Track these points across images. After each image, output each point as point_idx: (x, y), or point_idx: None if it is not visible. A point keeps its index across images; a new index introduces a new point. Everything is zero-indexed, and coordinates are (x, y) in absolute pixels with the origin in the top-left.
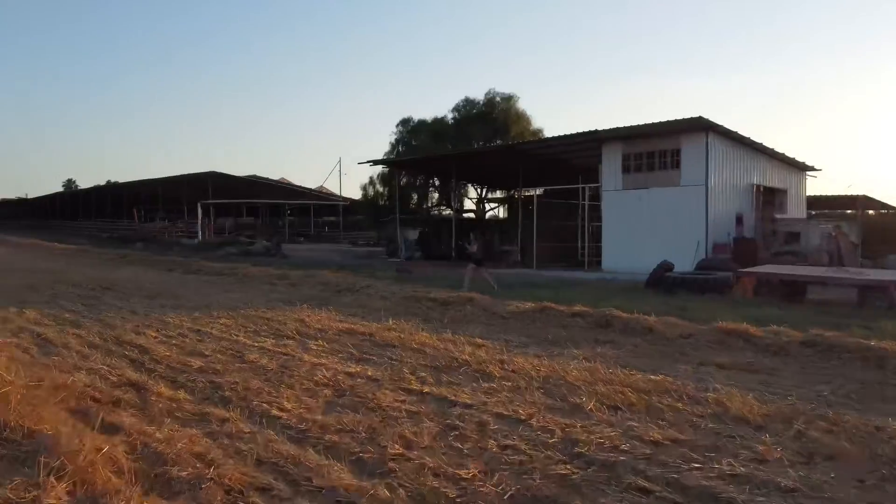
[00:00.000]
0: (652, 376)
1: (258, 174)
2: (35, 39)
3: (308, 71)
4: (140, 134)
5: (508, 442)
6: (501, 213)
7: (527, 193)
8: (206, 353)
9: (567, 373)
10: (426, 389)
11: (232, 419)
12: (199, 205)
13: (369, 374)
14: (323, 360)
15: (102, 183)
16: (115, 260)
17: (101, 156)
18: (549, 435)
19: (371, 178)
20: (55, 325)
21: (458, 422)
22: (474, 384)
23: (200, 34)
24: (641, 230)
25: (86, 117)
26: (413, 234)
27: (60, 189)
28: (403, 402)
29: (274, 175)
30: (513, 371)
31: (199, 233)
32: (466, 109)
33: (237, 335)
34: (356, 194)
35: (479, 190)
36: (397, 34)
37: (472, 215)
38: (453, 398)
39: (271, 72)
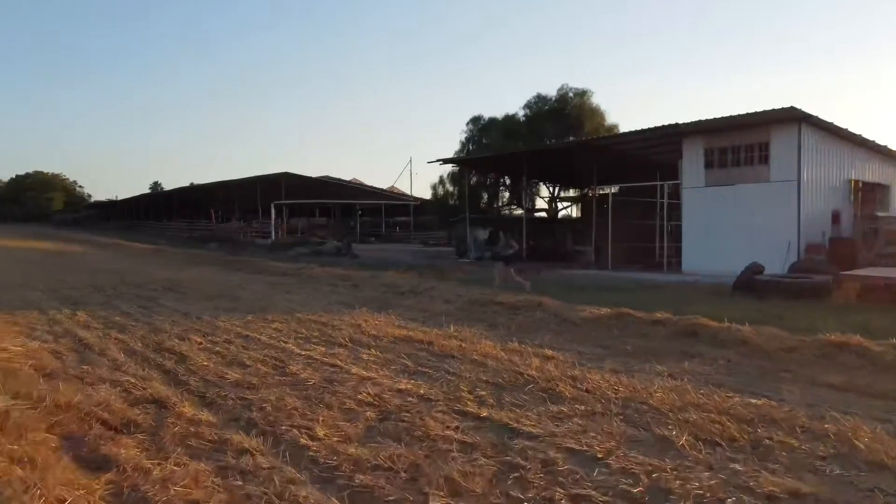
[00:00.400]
0: (753, 400)
1: (330, 175)
2: (129, 49)
3: (380, 71)
4: (221, 136)
5: (581, 491)
6: (574, 212)
7: (601, 191)
8: (247, 362)
9: (650, 394)
10: (484, 413)
11: (252, 449)
12: (272, 205)
13: (421, 391)
14: (372, 374)
15: (185, 185)
16: (186, 260)
17: (186, 158)
18: (631, 481)
19: (441, 177)
20: (102, 328)
21: (519, 459)
22: (541, 407)
23: (274, 39)
24: (726, 230)
25: (172, 120)
26: (483, 234)
27: (147, 191)
28: (456, 429)
29: (346, 175)
30: (586, 391)
31: (273, 233)
32: (538, 106)
33: (286, 342)
34: (427, 194)
35: (551, 188)
36: (469, 33)
37: (543, 214)
38: (515, 425)
39: (345, 74)
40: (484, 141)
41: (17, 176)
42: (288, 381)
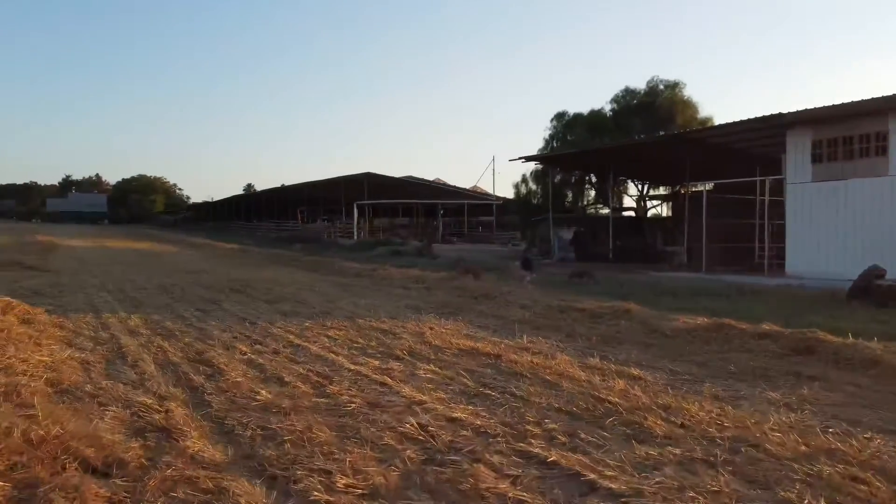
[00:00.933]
0: None
1: (413, 175)
2: (232, 57)
3: (463, 69)
4: (310, 137)
5: None
6: (665, 211)
7: (694, 188)
8: (287, 378)
9: (765, 433)
10: (552, 457)
11: None
12: (355, 205)
13: (478, 422)
14: (424, 396)
15: (276, 186)
16: (267, 260)
17: (278, 160)
18: None
19: (524, 175)
20: (148, 334)
21: None
22: (625, 449)
23: (357, 41)
24: (837, 229)
25: (267, 122)
26: (567, 234)
27: (240, 193)
28: (515, 481)
29: (429, 175)
30: (682, 426)
31: (355, 233)
32: (626, 100)
33: (338, 353)
34: (510, 193)
35: (639, 186)
36: (554, 27)
37: (632, 214)
38: (591, 476)
39: (429, 73)
40: (568, 137)
41: (123, 180)
42: (325, 404)
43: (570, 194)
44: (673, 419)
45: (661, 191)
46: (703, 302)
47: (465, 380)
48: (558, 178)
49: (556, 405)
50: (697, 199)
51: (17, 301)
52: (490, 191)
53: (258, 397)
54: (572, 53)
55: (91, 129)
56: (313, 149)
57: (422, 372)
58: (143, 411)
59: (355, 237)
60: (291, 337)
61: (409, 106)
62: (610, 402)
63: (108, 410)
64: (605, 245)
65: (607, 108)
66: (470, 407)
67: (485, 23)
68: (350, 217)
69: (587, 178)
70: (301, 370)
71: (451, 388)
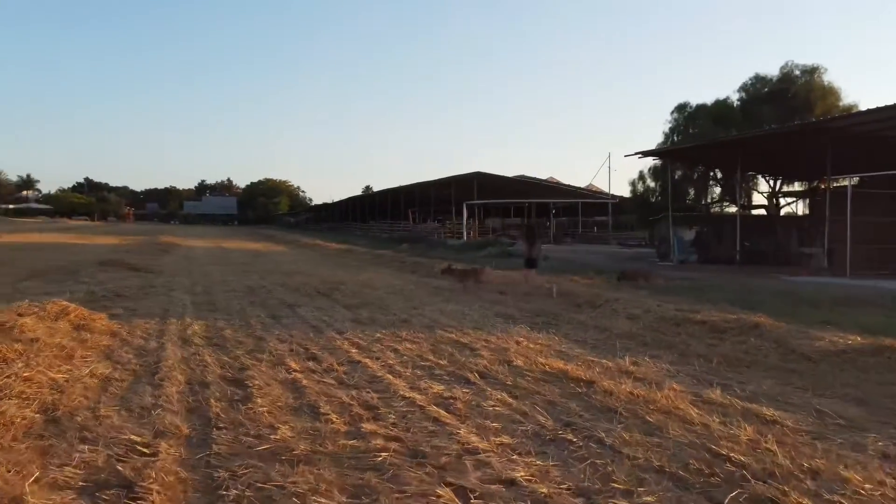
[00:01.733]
0: None
1: (526, 174)
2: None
3: (577, 64)
4: (428, 138)
5: None
6: (801, 208)
7: (836, 183)
8: (323, 408)
9: None
10: None
11: None
12: (464, 205)
13: (543, 489)
14: (482, 442)
15: (390, 187)
16: (368, 261)
17: (397, 161)
18: None
19: (641, 172)
20: (200, 345)
21: None
22: None
23: (478, 41)
24: None
25: (386, 124)
26: (689, 234)
27: (358, 194)
28: None
29: (542, 174)
30: None
31: (464, 233)
32: (755, 88)
33: (399, 374)
34: (626, 191)
35: (771, 181)
36: (672, 14)
37: (762, 212)
38: None
39: (541, 68)
40: (691, 130)
41: (251, 183)
42: (352, 449)
43: (691, 191)
44: (826, 495)
45: (797, 186)
46: (851, 314)
47: (541, 417)
48: (679, 173)
49: (657, 462)
50: (840, 195)
51: (75, 305)
52: (605, 189)
53: (274, 436)
54: (694, 42)
55: (224, 136)
56: (430, 150)
57: (490, 403)
58: (122, 455)
59: (464, 237)
60: (354, 351)
61: (523, 104)
62: (733, 462)
63: (82, 452)
64: (732, 246)
65: (734, 97)
66: (538, 461)
67: (600, 13)
68: (460, 217)
69: (711, 173)
70: (345, 397)
71: (522, 428)
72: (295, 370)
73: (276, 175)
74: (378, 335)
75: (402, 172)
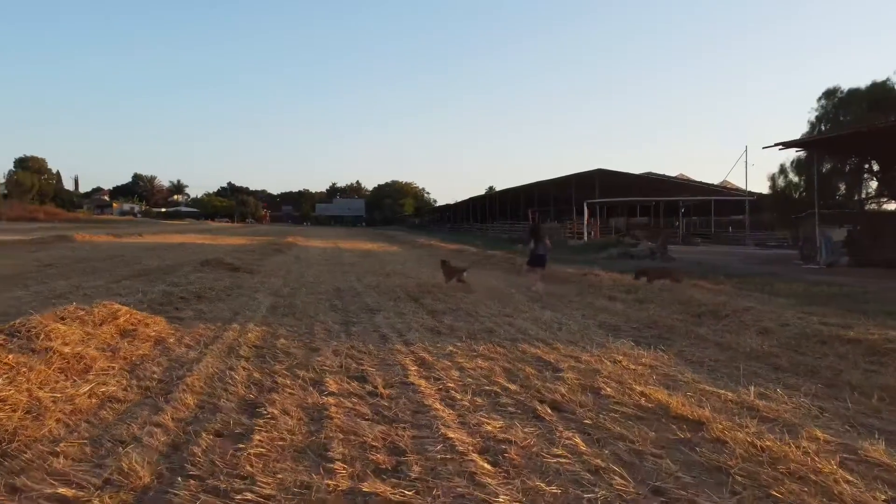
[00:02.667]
0: None
1: (653, 171)
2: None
3: (708, 52)
4: (548, 138)
5: None
6: None
7: None
8: (334, 452)
9: None
10: None
11: None
12: (584, 204)
13: None
14: None
15: (510, 187)
16: (476, 262)
17: (519, 161)
18: None
19: (782, 166)
20: (245, 355)
21: None
22: None
23: (586, 39)
24: None
25: (508, 124)
26: (838, 234)
27: (481, 194)
28: None
29: (671, 171)
30: None
31: (585, 233)
32: None
33: (453, 402)
34: (765, 188)
35: None
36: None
37: None
38: None
39: (663, 60)
40: (841, 118)
41: (378, 185)
42: None
43: (842, 186)
44: None
45: None
46: None
47: (619, 478)
48: (827, 166)
49: None
50: None
51: (127, 309)
52: (742, 186)
53: (246, 493)
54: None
55: (354, 140)
56: (556, 149)
57: (555, 453)
58: None
59: (585, 237)
60: (412, 369)
61: (648, 98)
62: None
63: None
64: (892, 248)
65: (895, 79)
66: None
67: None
68: (581, 216)
69: (867, 165)
70: (370, 436)
71: (588, 496)
72: (330, 393)
73: (403, 177)
74: (450, 348)
75: (528, 173)
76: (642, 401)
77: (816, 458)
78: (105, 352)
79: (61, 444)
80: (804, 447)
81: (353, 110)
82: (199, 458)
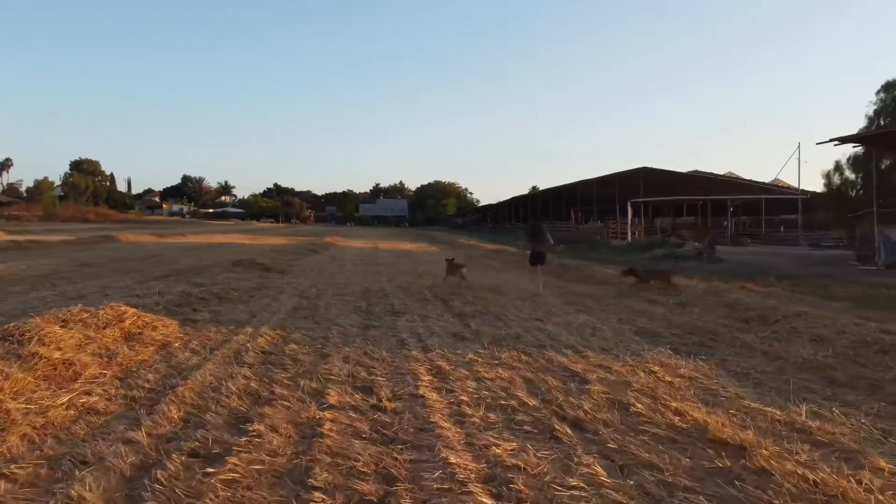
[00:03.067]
0: None
1: (699, 169)
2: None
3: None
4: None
5: None
6: None
7: None
8: (315, 480)
9: None
10: None
11: None
12: (628, 203)
13: None
14: None
15: (552, 186)
16: (514, 262)
17: (562, 160)
18: None
19: (837, 163)
20: (249, 362)
21: None
22: None
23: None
24: None
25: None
26: None
27: (519, 194)
28: None
29: (719, 170)
30: None
31: (629, 233)
32: None
33: (462, 419)
34: (820, 185)
35: None
36: None
37: None
38: None
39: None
40: None
41: (421, 185)
42: None
43: None
44: None
45: None
46: None
47: None
48: (886, 163)
49: None
50: None
51: (135, 311)
52: (794, 184)
53: None
54: None
55: (397, 141)
56: (595, 149)
57: (570, 483)
58: None
59: (629, 238)
60: (425, 379)
61: (695, 96)
62: None
63: None
64: None
65: None
66: None
67: None
68: (625, 216)
69: None
70: (361, 460)
71: None
72: (329, 406)
73: (446, 177)
74: (471, 356)
75: (573, 173)
76: (676, 420)
77: (881, 497)
78: (101, 357)
79: (13, 466)
80: (866, 482)
81: (397, 111)
82: (162, 484)
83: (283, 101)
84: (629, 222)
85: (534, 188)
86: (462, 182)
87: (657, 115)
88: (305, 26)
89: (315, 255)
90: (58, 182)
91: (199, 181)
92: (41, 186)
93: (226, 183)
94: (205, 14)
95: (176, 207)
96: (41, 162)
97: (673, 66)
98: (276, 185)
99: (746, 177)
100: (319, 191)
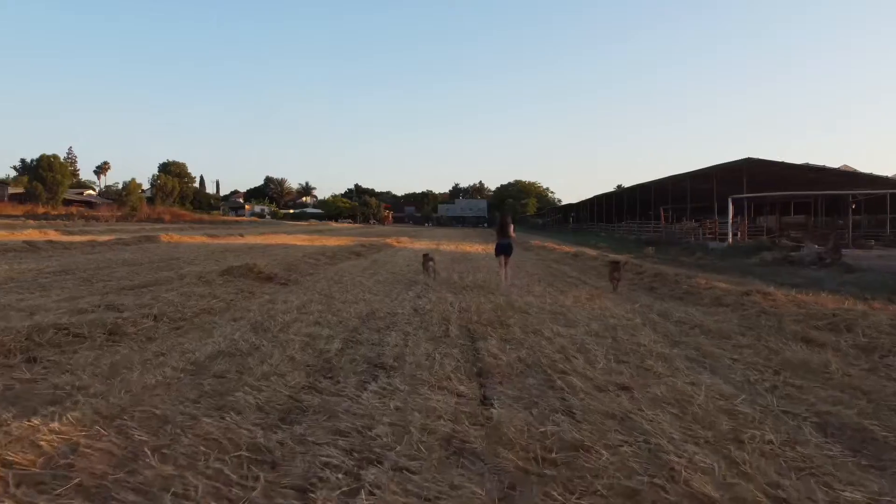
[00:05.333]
0: None
1: (811, 162)
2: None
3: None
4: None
5: None
6: None
7: None
8: None
9: None
10: None
11: None
12: (729, 200)
13: None
14: None
15: (638, 183)
16: (594, 270)
17: (648, 158)
18: None
19: None
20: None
21: None
22: None
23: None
24: None
25: (639, 119)
26: None
27: (608, 191)
28: None
29: (832, 163)
30: None
31: (730, 234)
32: None
33: None
34: None
35: None
36: None
37: None
38: None
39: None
40: None
41: (501, 185)
42: None
43: None
44: None
45: None
46: None
47: None
48: None
49: None
50: None
51: None
52: None
53: None
54: None
55: (476, 141)
56: (683, 146)
57: None
58: None
59: (729, 239)
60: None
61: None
62: None
63: None
64: None
65: None
66: None
67: None
68: (723, 214)
69: None
70: None
71: None
72: None
73: (527, 177)
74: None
75: (659, 170)
76: None
77: None
78: None
79: None
80: None
81: (479, 110)
82: None
83: (368, 105)
84: (730, 221)
85: (618, 186)
86: (544, 181)
87: (756, 106)
88: (397, 32)
89: (356, 258)
90: (147, 185)
91: (281, 182)
92: (129, 187)
93: (307, 184)
94: (283, 18)
95: (258, 208)
96: (138, 165)
97: (780, 47)
98: (356, 185)
99: (865, 171)
100: (399, 191)
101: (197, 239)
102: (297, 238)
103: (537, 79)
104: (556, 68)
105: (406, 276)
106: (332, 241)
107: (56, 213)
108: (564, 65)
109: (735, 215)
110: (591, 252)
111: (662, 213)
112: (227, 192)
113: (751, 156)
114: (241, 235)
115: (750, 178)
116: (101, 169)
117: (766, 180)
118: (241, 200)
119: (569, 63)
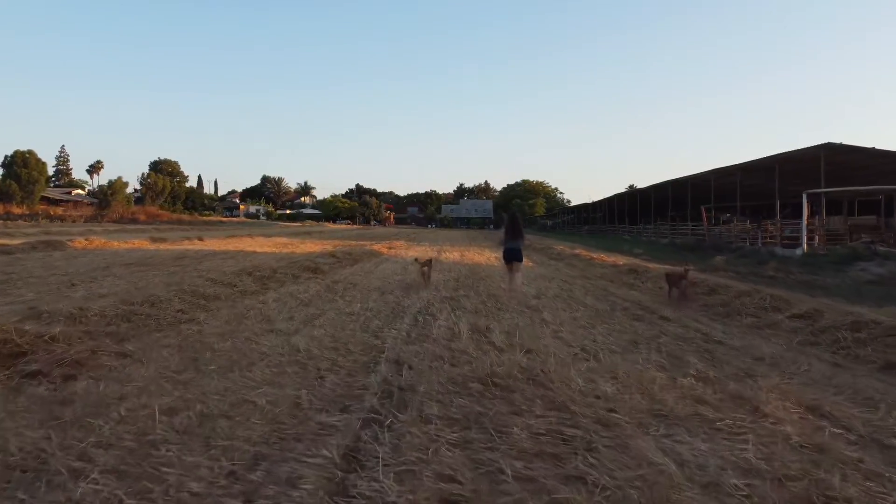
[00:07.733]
0: None
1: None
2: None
3: None
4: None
5: None
6: None
7: None
8: None
9: None
10: None
11: None
12: (804, 196)
13: None
14: None
15: (668, 179)
16: (652, 301)
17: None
18: None
19: None
20: None
21: None
22: None
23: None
24: None
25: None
26: None
27: (631, 190)
28: None
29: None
30: None
31: (803, 238)
32: None
33: None
34: None
35: None
36: None
37: None
38: None
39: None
40: None
41: (507, 185)
42: None
43: None
44: None
45: None
46: None
47: None
48: None
49: None
50: None
51: None
52: None
53: None
54: None
55: (483, 141)
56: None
57: None
58: None
59: (804, 246)
60: None
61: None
62: None
63: None
64: None
65: None
66: None
67: None
68: (793, 213)
69: None
70: None
71: None
72: None
73: (534, 177)
74: None
75: (674, 169)
76: None
77: None
78: None
79: None
80: None
81: (484, 108)
82: None
83: (370, 102)
84: (804, 223)
85: (630, 186)
86: (551, 181)
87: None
88: (396, 27)
89: (307, 280)
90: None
91: (278, 182)
92: (114, 186)
93: (305, 183)
94: (287, 17)
95: (253, 209)
96: (138, 164)
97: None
98: (358, 185)
99: None
100: (402, 191)
101: (134, 244)
102: (268, 243)
103: (542, 75)
104: (564, 63)
105: (383, 306)
106: (307, 247)
107: (20, 212)
108: (573, 60)
109: (810, 215)
110: (641, 262)
111: (704, 212)
112: (225, 192)
113: (830, 141)
114: (201, 239)
115: (829, 169)
116: (95, 168)
117: (847, 172)
118: (237, 200)
119: (577, 57)
